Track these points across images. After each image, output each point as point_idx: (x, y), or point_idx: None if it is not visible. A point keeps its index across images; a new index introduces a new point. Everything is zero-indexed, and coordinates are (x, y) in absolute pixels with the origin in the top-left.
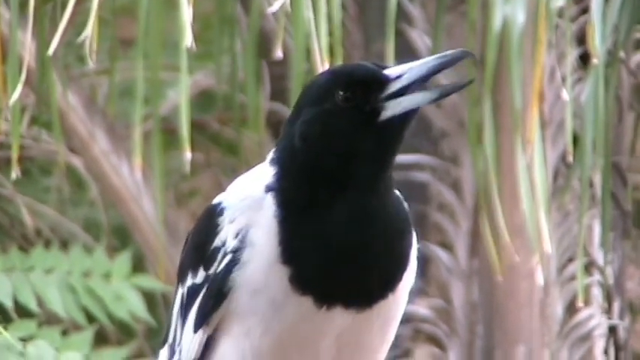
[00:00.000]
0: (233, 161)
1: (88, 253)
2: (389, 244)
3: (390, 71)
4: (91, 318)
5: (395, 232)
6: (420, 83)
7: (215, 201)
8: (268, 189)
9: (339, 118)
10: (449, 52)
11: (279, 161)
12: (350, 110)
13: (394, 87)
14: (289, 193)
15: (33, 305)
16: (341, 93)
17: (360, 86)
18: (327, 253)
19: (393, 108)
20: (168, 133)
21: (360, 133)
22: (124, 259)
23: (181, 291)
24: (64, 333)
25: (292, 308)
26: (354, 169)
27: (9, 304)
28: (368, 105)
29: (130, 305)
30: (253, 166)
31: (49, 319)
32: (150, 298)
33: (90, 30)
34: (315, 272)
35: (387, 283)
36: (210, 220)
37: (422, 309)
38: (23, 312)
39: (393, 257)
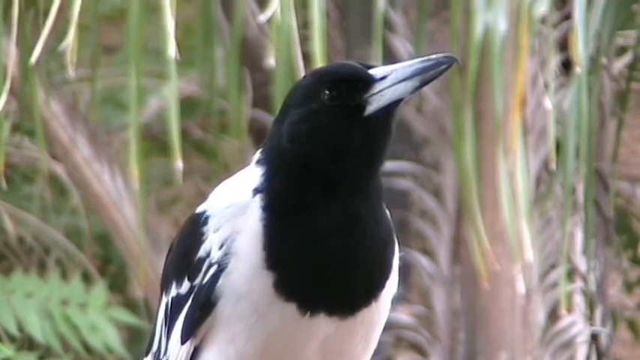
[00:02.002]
0: (215, 168)
1: (72, 262)
2: (373, 252)
3: (376, 71)
4: (65, 344)
5: (380, 241)
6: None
7: (199, 209)
8: (256, 191)
9: (326, 117)
10: (434, 55)
11: (266, 161)
12: (336, 108)
13: (379, 87)
14: (277, 194)
15: (13, 328)
16: (327, 92)
17: (345, 84)
18: (312, 260)
19: (377, 101)
20: (150, 140)
21: (346, 130)
22: (99, 291)
23: (165, 300)
24: (41, 358)
25: (276, 314)
26: (343, 168)
27: None
28: (353, 102)
29: (105, 337)
30: (234, 173)
31: (23, 343)
32: (134, 305)
33: (71, 38)
34: (300, 278)
35: (370, 291)
36: (194, 230)
37: (403, 316)
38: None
39: (376, 265)
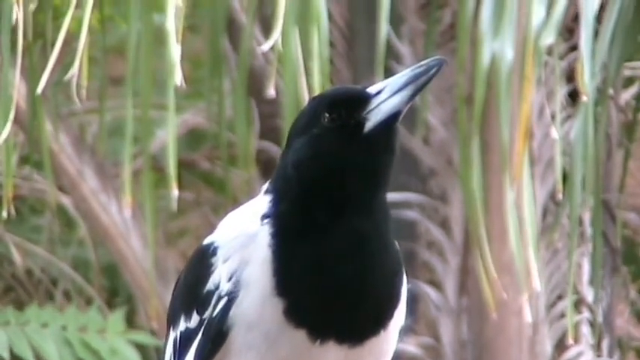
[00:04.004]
0: (223, 200)
1: (80, 294)
2: (383, 279)
3: (371, 89)
4: None
5: (389, 268)
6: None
7: (207, 241)
8: (264, 217)
9: (327, 140)
10: (424, 61)
11: (273, 190)
12: (337, 130)
13: (376, 102)
14: (286, 220)
15: (30, 357)
16: (326, 115)
17: (343, 106)
18: (321, 285)
19: (374, 117)
20: (158, 172)
21: (348, 150)
22: (117, 317)
23: (173, 335)
24: None
25: (286, 342)
26: (349, 188)
27: (5, 355)
28: (353, 121)
29: (126, 359)
30: (242, 204)
31: None
32: (141, 348)
33: (77, 68)
34: (310, 304)
35: (379, 319)
36: (202, 261)
37: (411, 347)
38: None
39: (386, 293)
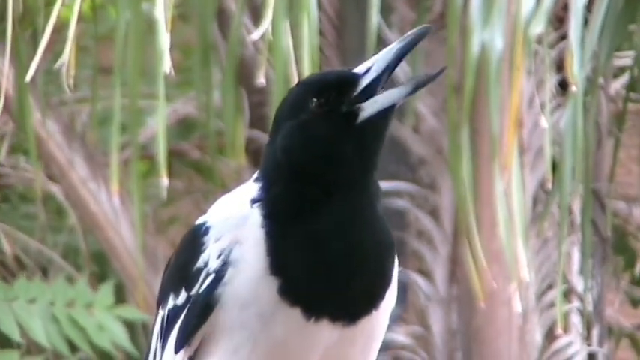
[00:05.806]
0: (213, 188)
1: (69, 282)
2: (375, 259)
3: (358, 68)
4: (73, 347)
5: (380, 248)
6: (389, 71)
7: (199, 221)
8: (254, 201)
9: (317, 126)
10: (409, 32)
11: (264, 178)
12: (326, 115)
13: (365, 81)
14: (276, 203)
15: (16, 335)
16: (314, 100)
17: (332, 90)
18: (315, 263)
19: (369, 107)
20: (148, 161)
21: (340, 137)
22: (106, 290)
23: (162, 313)
24: None
25: (281, 320)
26: (340, 174)
27: None
28: (343, 106)
29: (113, 335)
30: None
31: (30, 349)
32: (129, 325)
33: (67, 56)
34: (304, 283)
35: (371, 298)
36: (194, 240)
37: (401, 336)
38: (4, 342)
39: (378, 271)
